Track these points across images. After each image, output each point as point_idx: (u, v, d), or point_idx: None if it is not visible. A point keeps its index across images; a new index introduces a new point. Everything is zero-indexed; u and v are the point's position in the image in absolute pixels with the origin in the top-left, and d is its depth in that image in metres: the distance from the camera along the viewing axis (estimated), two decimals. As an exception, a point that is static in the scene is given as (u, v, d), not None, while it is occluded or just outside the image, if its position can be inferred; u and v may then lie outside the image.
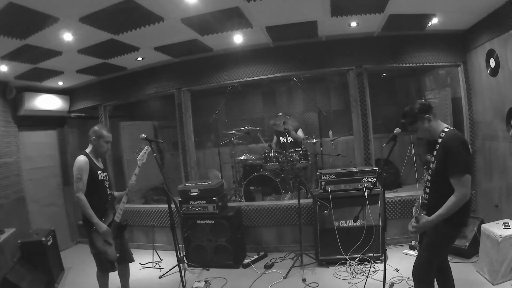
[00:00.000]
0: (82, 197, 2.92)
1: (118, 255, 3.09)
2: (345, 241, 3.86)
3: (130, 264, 3.39)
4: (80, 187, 2.93)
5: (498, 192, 3.85)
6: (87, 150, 3.13)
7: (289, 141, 5.62)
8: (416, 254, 3.78)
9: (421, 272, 2.29)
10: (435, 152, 2.26)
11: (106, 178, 3.18)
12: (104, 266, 3.07)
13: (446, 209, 2.14)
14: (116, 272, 3.23)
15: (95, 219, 2.93)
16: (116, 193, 3.33)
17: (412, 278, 2.38)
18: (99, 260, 3.05)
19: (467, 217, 2.27)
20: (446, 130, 2.25)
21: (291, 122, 5.66)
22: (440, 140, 2.24)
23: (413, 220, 2.28)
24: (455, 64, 4.55)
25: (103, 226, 2.96)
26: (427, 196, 2.35)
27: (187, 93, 5.13)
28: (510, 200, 3.59)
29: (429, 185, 2.33)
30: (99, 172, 3.10)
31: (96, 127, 3.15)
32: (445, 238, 2.26)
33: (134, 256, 3.38)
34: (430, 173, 2.31)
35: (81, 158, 3.02)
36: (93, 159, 3.11)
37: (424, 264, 2.28)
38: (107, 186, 3.17)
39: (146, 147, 3.21)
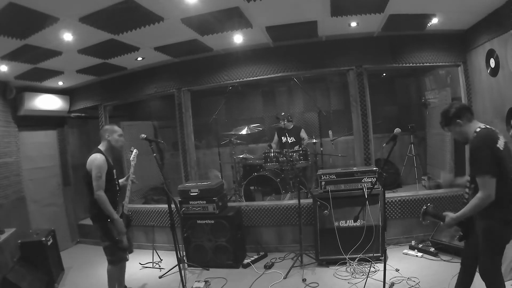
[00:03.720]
0: (103, 194, 3.00)
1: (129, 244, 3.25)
2: (345, 241, 3.86)
3: (129, 264, 3.44)
4: (101, 186, 3.01)
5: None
6: (102, 148, 3.19)
7: (289, 141, 5.63)
8: (416, 255, 3.86)
9: (491, 277, 2.26)
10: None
11: (116, 175, 3.31)
12: (119, 256, 3.16)
13: (468, 208, 2.19)
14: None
15: (115, 215, 3.05)
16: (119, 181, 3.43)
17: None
18: (114, 250, 3.12)
19: None
20: (478, 130, 2.22)
21: (294, 130, 5.77)
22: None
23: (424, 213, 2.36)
24: (455, 64, 4.56)
25: (121, 222, 3.11)
26: (467, 196, 2.39)
27: (187, 93, 5.13)
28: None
29: (468, 185, 2.37)
30: (114, 171, 3.22)
31: (106, 126, 3.31)
32: (502, 239, 2.23)
33: (134, 256, 3.41)
34: (469, 173, 2.35)
35: (100, 157, 3.08)
36: (108, 157, 3.19)
37: (493, 268, 2.25)
38: (117, 183, 3.29)
39: (134, 151, 3.41)
